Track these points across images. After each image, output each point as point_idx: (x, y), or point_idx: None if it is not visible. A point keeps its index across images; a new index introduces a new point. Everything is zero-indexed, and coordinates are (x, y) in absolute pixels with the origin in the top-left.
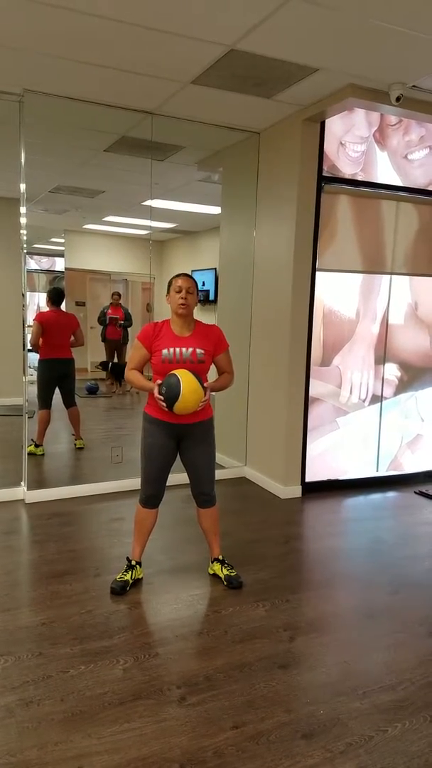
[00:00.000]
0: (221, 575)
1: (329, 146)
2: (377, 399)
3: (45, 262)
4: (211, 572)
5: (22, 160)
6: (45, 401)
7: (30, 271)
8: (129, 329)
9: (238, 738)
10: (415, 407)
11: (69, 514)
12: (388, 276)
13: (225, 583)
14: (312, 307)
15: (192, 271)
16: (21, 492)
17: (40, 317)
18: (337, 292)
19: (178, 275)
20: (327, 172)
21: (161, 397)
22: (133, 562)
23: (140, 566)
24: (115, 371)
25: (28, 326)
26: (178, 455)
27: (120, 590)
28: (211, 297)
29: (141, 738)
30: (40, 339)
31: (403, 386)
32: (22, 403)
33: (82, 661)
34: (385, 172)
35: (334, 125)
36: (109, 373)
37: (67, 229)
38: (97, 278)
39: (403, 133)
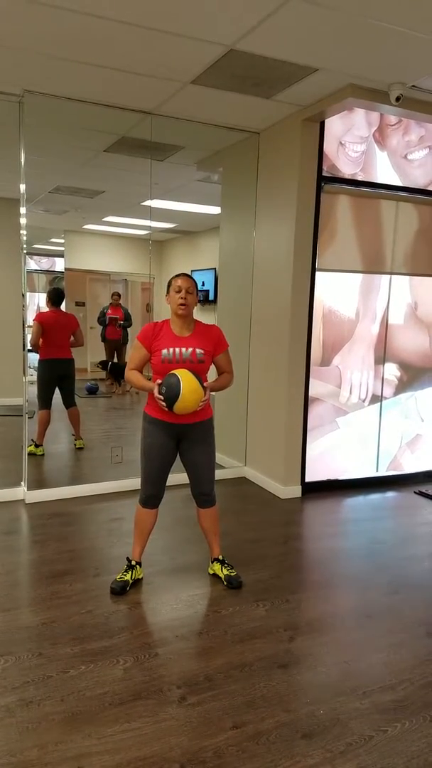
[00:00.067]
0: (221, 575)
1: (329, 146)
2: (377, 399)
3: (45, 263)
4: (211, 572)
5: (22, 161)
6: (45, 401)
7: (30, 272)
8: (129, 329)
9: (238, 738)
10: (415, 407)
11: (69, 514)
12: (388, 276)
13: (225, 583)
14: (312, 307)
15: (192, 271)
16: (21, 492)
17: (40, 317)
18: (336, 292)
19: (177, 275)
20: (327, 172)
21: (161, 397)
22: (133, 562)
23: (140, 566)
24: (115, 371)
25: (28, 326)
26: (178, 455)
27: (120, 590)
28: (211, 297)
29: (141, 738)
30: (40, 339)
31: (402, 386)
32: (22, 403)
33: (82, 661)
34: (385, 172)
35: (334, 125)
36: (108, 373)
37: (67, 230)
38: (97, 278)
39: (403, 133)
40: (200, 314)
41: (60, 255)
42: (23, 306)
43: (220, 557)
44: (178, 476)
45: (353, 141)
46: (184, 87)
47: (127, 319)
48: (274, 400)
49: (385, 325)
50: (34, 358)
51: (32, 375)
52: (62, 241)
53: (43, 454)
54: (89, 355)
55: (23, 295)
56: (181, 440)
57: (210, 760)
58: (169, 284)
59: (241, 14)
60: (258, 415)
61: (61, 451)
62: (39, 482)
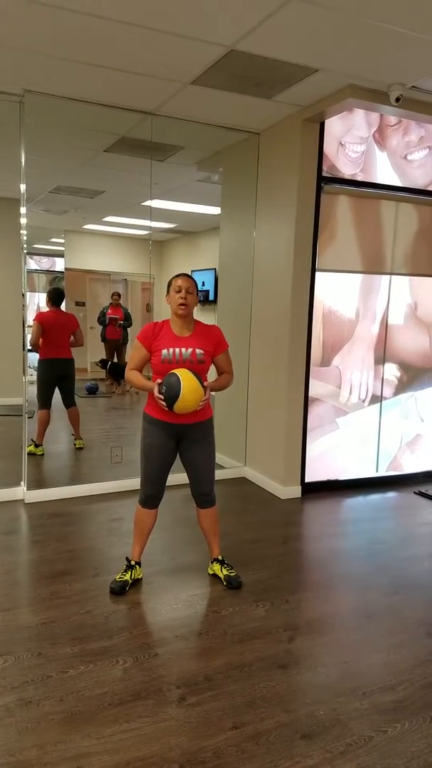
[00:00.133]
0: (221, 575)
1: (329, 147)
2: (377, 399)
3: (45, 263)
4: (211, 572)
5: (23, 161)
6: (45, 401)
7: (30, 272)
8: (129, 329)
9: (237, 738)
10: (415, 407)
11: (68, 514)
12: (388, 276)
13: (224, 583)
14: (312, 307)
15: (192, 271)
16: (21, 492)
17: (40, 317)
18: (336, 292)
19: (177, 275)
20: (327, 173)
21: (161, 397)
22: (133, 562)
23: (140, 566)
24: (114, 371)
25: (28, 326)
26: (178, 455)
27: (119, 590)
28: (211, 297)
29: (140, 738)
30: (40, 339)
31: (402, 386)
32: (22, 403)
33: (82, 661)
34: (385, 173)
35: (334, 126)
36: (108, 372)
37: (67, 230)
38: (97, 278)
39: (403, 133)
40: (200, 314)
41: (60, 255)
42: (23, 306)
43: (220, 557)
44: (177, 476)
45: (353, 141)
46: (185, 87)
47: (127, 319)
48: (274, 400)
49: (385, 325)
50: (34, 358)
51: (32, 375)
52: (62, 241)
53: (42, 454)
54: (89, 355)
55: (23, 295)
56: (181, 440)
57: (209, 760)
58: (169, 284)
59: (242, 14)
60: (258, 416)
61: (60, 451)
62: (39, 482)
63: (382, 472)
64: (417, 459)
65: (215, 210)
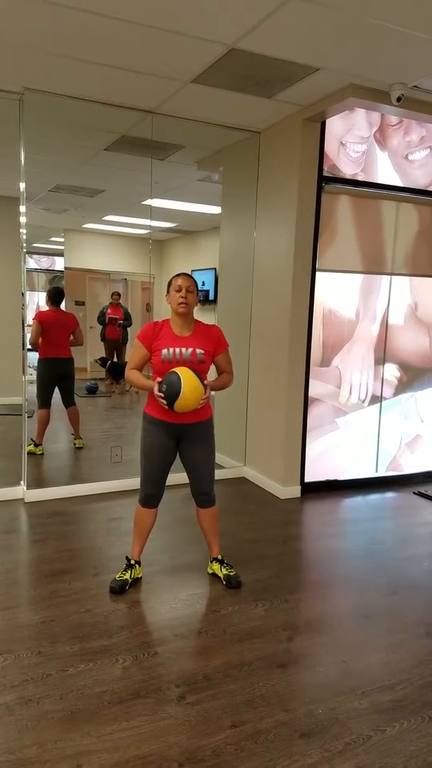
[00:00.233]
0: (220, 575)
1: (330, 146)
2: (377, 399)
3: (45, 262)
4: (210, 572)
5: (22, 159)
6: (44, 400)
7: (29, 271)
8: (128, 329)
9: (236, 737)
10: (415, 408)
11: (68, 513)
12: (388, 276)
13: (224, 582)
14: (312, 307)
15: (192, 270)
16: (20, 491)
17: (40, 316)
18: (337, 292)
19: (177, 275)
20: (327, 172)
21: (161, 395)
22: (132, 562)
23: (139, 565)
24: (114, 370)
25: (28, 325)
26: (178, 455)
27: (119, 589)
28: (211, 297)
29: (140, 736)
30: (40, 338)
31: (402, 387)
32: (22, 402)
33: (82, 660)
34: (386, 173)
35: (335, 125)
36: (107, 372)
37: (67, 229)
38: (97, 278)
39: (404, 133)
40: (200, 314)
41: (60, 254)
42: (23, 305)
43: (220, 557)
44: (177, 476)
45: (354, 141)
46: (185, 86)
47: (127, 319)
48: (273, 400)
49: (385, 325)
50: (33, 357)
51: (32, 374)
52: (62, 240)
53: (42, 454)
54: (89, 355)
55: (23, 294)
56: (181, 440)
57: (209, 758)
58: (170, 284)
59: (242, 13)
60: (258, 415)
61: (60, 451)
62: (38, 481)
63: (382, 473)
64: (416, 459)
65: (215, 209)
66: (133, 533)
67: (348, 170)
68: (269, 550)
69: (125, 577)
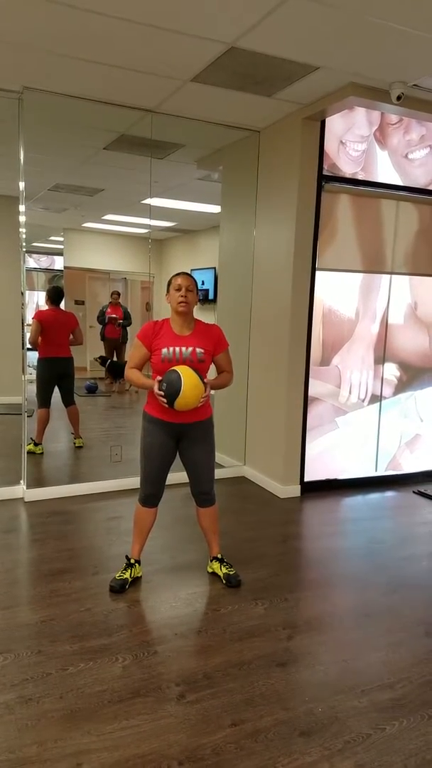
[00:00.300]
0: (220, 574)
1: (329, 145)
2: (376, 399)
3: (44, 261)
4: (210, 571)
5: (22, 158)
6: (44, 400)
7: (29, 270)
8: (128, 328)
9: (236, 735)
10: (414, 407)
11: (68, 512)
12: (388, 276)
13: (224, 581)
14: (312, 306)
15: (191, 270)
16: (20, 490)
17: (39, 315)
18: (336, 291)
19: (177, 274)
20: (327, 171)
21: (161, 393)
22: (132, 561)
23: (139, 564)
24: (114, 370)
25: (27, 325)
26: (178, 454)
27: (119, 588)
28: (211, 296)
29: (140, 735)
30: (39, 337)
31: (402, 386)
32: (22, 401)
33: (82, 659)
34: (386, 172)
35: (335, 124)
36: (107, 371)
37: (67, 228)
38: (97, 277)
39: (404, 132)
40: (200, 313)
41: (59, 253)
42: (22, 304)
43: (219, 556)
44: (177, 475)
45: (354, 140)
46: (185, 85)
47: (127, 318)
48: (273, 399)
49: (384, 324)
50: (33, 357)
51: (31, 373)
52: (62, 239)
53: (42, 453)
54: (88, 354)
55: (22, 294)
56: (180, 439)
57: (208, 757)
58: (169, 283)
59: (242, 12)
60: (257, 415)
61: (60, 450)
62: (38, 481)
63: (382, 472)
64: (416, 458)
65: (215, 208)
66: (133, 532)
67: (348, 169)
68: (269, 549)
69: (125, 576)
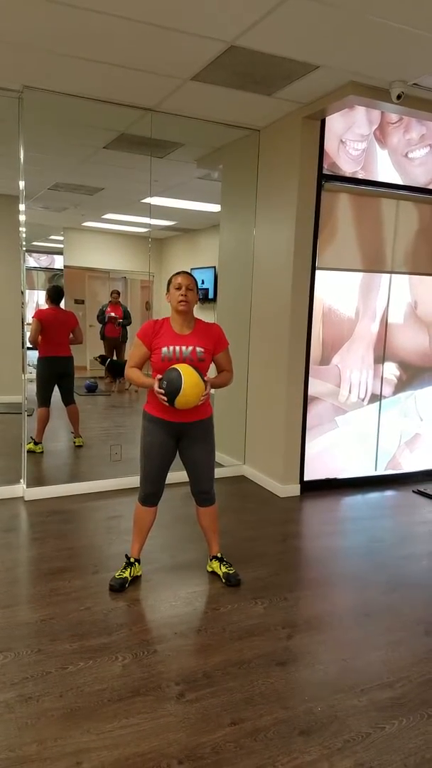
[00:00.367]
0: (220, 573)
1: (329, 144)
2: (376, 398)
3: (44, 260)
4: (210, 570)
5: (21, 157)
6: (44, 399)
7: (29, 269)
8: (128, 327)
9: (236, 734)
10: (414, 406)
11: (68, 511)
12: (388, 275)
13: (223, 580)
14: (311, 305)
15: (191, 269)
16: (20, 489)
17: (39, 314)
18: (336, 290)
19: (177, 273)
20: (327, 170)
21: (162, 391)
22: (132, 560)
23: (139, 563)
24: (113, 369)
25: (27, 324)
26: (178, 454)
27: (119, 587)
28: (210, 295)
29: (140, 734)
30: (39, 336)
31: (402, 385)
32: (22, 400)
33: (81, 658)
34: (386, 171)
35: (335, 123)
36: (106, 370)
37: (67, 227)
38: (96, 276)
39: (404, 131)
40: (200, 313)
41: (59, 252)
42: (22, 303)
43: (219, 555)
44: (177, 474)
45: (354, 139)
46: (185, 83)
47: (127, 317)
48: (273, 398)
49: (384, 324)
50: (33, 356)
51: (31, 373)
52: (61, 238)
53: (42, 452)
54: (88, 353)
55: (22, 293)
56: (180, 438)
57: (208, 756)
58: (170, 282)
59: (242, 10)
60: (257, 414)
61: (60, 449)
62: (38, 480)
63: (381, 471)
64: (416, 458)
65: (215, 207)
66: (133, 531)
67: (348, 168)
68: (269, 549)
69: (125, 575)
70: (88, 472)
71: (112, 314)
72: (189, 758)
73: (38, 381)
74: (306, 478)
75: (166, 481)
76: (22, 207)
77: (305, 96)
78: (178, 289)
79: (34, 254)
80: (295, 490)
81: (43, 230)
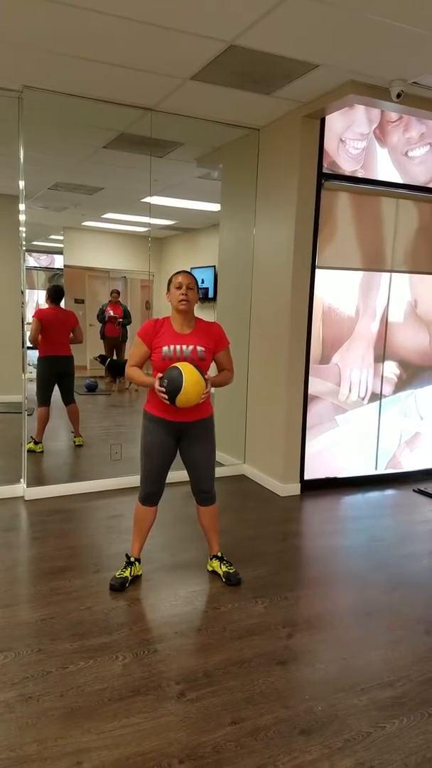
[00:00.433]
0: (220, 572)
1: (329, 143)
2: (376, 397)
3: (44, 260)
4: (210, 569)
5: (21, 157)
6: (44, 398)
7: (29, 269)
8: (128, 327)
9: (236, 733)
10: (414, 405)
11: (68, 511)
12: (388, 273)
13: (224, 579)
14: (311, 304)
15: (191, 268)
16: (20, 489)
17: (39, 314)
18: (336, 289)
19: (178, 272)
20: (327, 169)
21: (163, 390)
22: (132, 559)
23: (139, 563)
24: (113, 368)
25: (27, 323)
26: (178, 453)
27: (119, 587)
28: (210, 295)
29: (140, 733)
30: (39, 336)
31: (402, 384)
32: (22, 400)
33: (82, 657)
34: (386, 169)
35: (335, 122)
36: (107, 370)
37: (66, 227)
38: (96, 276)
39: (404, 130)
40: (200, 312)
41: (59, 252)
42: (22, 303)
43: (219, 554)
44: (178, 473)
45: (354, 138)
46: (184, 83)
47: (127, 317)
48: (273, 397)
49: (384, 322)
50: (33, 355)
51: (31, 372)
52: (61, 237)
53: (42, 451)
54: (88, 353)
55: (22, 292)
56: (181, 438)
57: (209, 755)
58: (170, 281)
59: (242, 10)
60: (257, 413)
61: (60, 449)
62: (38, 479)
63: (382, 470)
64: (416, 457)
65: (215, 207)
66: (133, 531)
67: (348, 167)
68: (269, 548)
69: (125, 574)
70: (89, 471)
71: (112, 314)
72: (190, 757)
73: (38, 380)
74: (306, 477)
75: (167, 481)
76: (22, 206)
77: (305, 95)
78: (179, 288)
79: (34, 254)
80: (295, 489)
81: (43, 230)
